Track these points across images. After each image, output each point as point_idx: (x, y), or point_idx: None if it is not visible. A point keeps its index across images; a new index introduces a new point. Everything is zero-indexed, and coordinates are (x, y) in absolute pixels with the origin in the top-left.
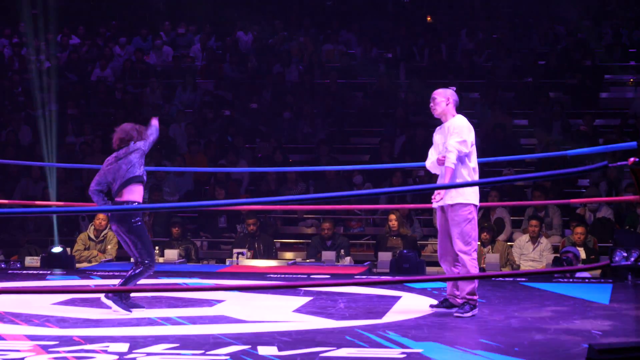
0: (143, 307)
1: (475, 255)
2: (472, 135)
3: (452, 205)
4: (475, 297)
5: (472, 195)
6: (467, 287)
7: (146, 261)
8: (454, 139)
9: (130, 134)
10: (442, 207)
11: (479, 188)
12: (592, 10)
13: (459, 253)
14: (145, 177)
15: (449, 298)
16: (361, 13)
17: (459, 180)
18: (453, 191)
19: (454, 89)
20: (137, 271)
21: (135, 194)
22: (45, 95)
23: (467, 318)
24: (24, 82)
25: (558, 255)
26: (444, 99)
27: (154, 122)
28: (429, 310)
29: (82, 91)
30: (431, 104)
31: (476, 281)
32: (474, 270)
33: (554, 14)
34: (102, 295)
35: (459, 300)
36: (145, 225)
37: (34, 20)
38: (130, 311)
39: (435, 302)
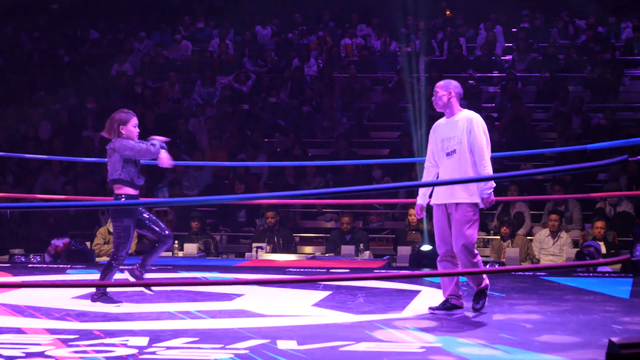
0: (120, 303)
1: (477, 252)
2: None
3: (457, 205)
4: (486, 281)
5: (477, 197)
6: (476, 280)
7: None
8: (486, 158)
9: (119, 119)
10: (445, 205)
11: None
12: (613, 3)
13: (458, 253)
14: (132, 178)
15: (450, 299)
16: (380, 7)
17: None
18: (461, 191)
19: (473, 83)
20: (110, 266)
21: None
22: (65, 89)
23: (484, 309)
24: (44, 76)
25: (578, 249)
26: (445, 92)
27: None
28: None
29: (102, 85)
30: (433, 98)
31: (485, 278)
32: (482, 266)
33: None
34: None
35: (464, 301)
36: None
37: (54, 14)
38: (119, 303)
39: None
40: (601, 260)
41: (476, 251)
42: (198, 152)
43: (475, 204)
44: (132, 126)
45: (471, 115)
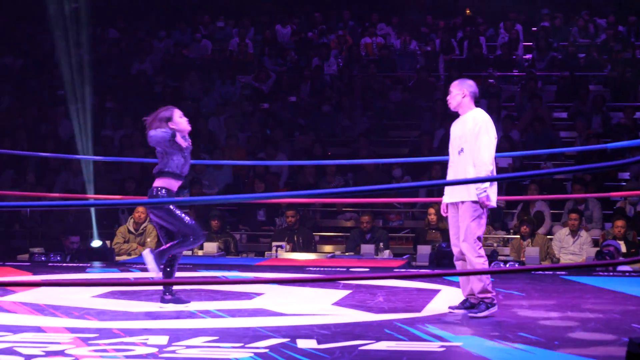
0: (189, 302)
1: (482, 252)
2: (494, 130)
3: (462, 202)
4: (489, 295)
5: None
6: (478, 286)
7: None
8: (484, 156)
9: (164, 117)
10: (455, 204)
11: (496, 188)
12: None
13: (463, 251)
14: (176, 169)
15: (469, 298)
16: (400, 6)
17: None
18: (464, 189)
19: (493, 82)
20: (176, 241)
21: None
22: (85, 88)
23: (483, 317)
24: (64, 76)
25: (598, 248)
26: (459, 92)
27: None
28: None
29: (122, 85)
30: (448, 97)
31: (487, 279)
32: (483, 267)
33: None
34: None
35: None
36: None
37: (73, 13)
38: (160, 273)
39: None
40: (621, 259)
41: (481, 252)
42: (218, 151)
43: (478, 202)
44: (179, 117)
45: (477, 114)
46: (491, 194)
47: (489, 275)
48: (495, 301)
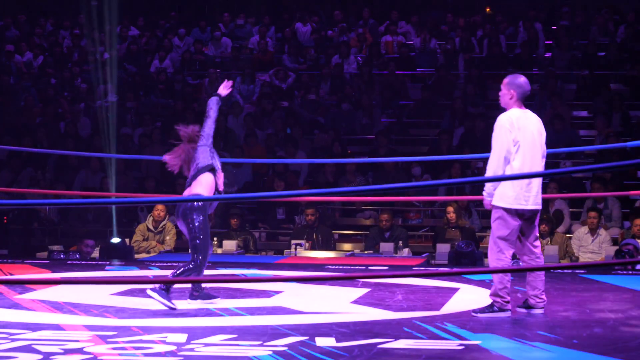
0: (217, 297)
1: (502, 256)
2: (514, 134)
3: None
4: (499, 300)
5: (501, 199)
6: (493, 288)
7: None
8: (491, 161)
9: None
10: None
11: (514, 191)
12: None
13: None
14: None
15: (528, 299)
16: (420, 4)
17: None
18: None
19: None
20: (179, 270)
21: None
22: (105, 86)
23: (483, 316)
24: (84, 73)
25: (617, 247)
26: (507, 92)
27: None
28: (488, 302)
29: (141, 82)
30: (500, 93)
31: (504, 282)
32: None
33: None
34: (147, 289)
35: (538, 300)
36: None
37: (93, 11)
38: (174, 306)
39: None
40: None
41: (502, 255)
42: (237, 149)
43: (499, 207)
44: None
45: (502, 117)
46: (501, 198)
47: (508, 282)
48: (507, 307)
